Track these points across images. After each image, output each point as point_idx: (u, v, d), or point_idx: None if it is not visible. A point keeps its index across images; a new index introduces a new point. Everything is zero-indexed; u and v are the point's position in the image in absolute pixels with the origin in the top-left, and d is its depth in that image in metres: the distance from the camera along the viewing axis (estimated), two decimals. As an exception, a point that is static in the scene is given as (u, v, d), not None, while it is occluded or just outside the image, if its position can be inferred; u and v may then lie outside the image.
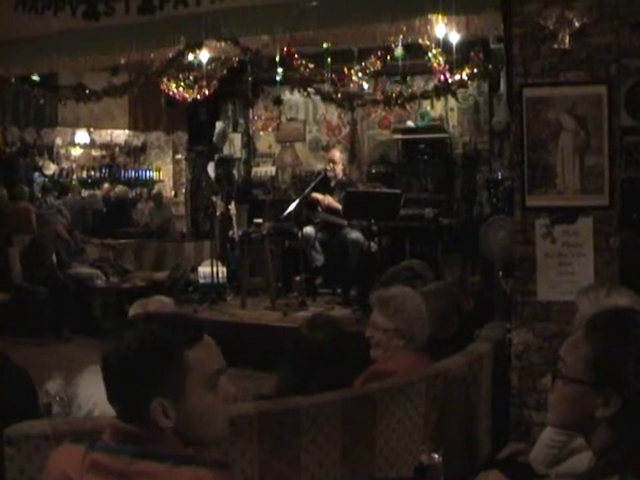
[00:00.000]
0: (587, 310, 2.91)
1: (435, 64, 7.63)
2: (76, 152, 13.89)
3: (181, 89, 9.36)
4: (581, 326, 2.90)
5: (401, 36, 7.33)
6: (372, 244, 7.81)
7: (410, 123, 10.51)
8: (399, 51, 7.84)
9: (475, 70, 7.82)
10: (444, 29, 7.13)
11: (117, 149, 14.11)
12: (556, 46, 4.15)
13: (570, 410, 1.86)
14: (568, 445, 2.73)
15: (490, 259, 6.22)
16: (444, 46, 7.43)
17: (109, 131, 13.63)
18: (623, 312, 2.05)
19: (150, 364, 1.66)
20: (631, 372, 1.78)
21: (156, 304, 3.44)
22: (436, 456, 2.32)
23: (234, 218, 9.07)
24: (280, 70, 8.58)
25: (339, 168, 8.67)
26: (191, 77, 9.26)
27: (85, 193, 13.12)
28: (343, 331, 3.32)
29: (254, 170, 11.75)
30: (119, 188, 13.36)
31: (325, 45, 8.02)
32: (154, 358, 1.67)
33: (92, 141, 13.72)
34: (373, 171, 10.58)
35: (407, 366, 3.43)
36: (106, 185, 13.52)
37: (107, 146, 14.01)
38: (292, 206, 8.07)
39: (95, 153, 14.14)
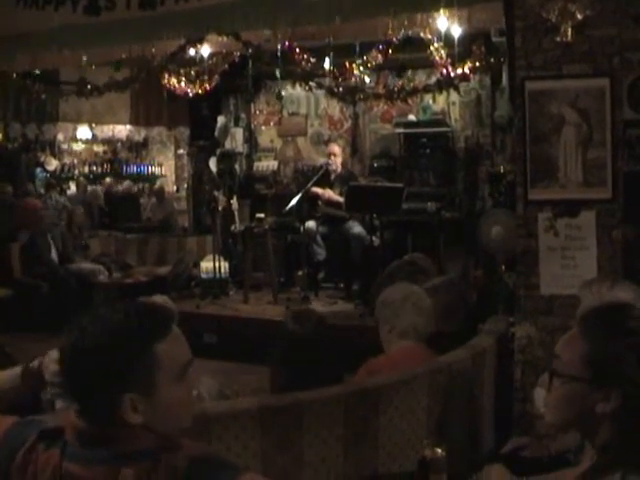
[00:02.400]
0: (590, 303, 2.90)
1: (437, 58, 7.62)
2: (78, 147, 13.90)
3: (182, 84, 9.34)
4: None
5: (403, 30, 7.31)
6: (374, 238, 7.81)
7: (412, 117, 10.49)
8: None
9: (477, 63, 7.80)
10: (446, 22, 7.12)
11: (119, 144, 14.11)
12: (558, 39, 4.14)
13: (570, 408, 1.84)
14: None
15: (491, 253, 6.21)
16: (446, 39, 7.41)
17: (111, 126, 13.64)
18: (617, 306, 2.04)
19: (120, 359, 1.58)
20: (630, 365, 1.77)
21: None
22: (439, 450, 2.32)
23: (236, 213, 9.07)
24: (282, 64, 8.56)
25: (339, 161, 8.68)
26: (192, 72, 9.25)
27: (88, 188, 13.15)
28: (326, 324, 3.31)
29: (256, 165, 11.74)
30: (125, 183, 13.38)
31: (326, 39, 8.00)
32: (124, 352, 1.58)
33: (94, 136, 13.73)
34: (375, 165, 10.56)
35: (401, 356, 3.46)
36: (108, 180, 13.53)
37: (109, 141, 14.02)
38: (294, 200, 8.07)
39: (97, 148, 14.15)
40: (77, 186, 13.23)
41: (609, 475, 1.73)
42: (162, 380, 1.61)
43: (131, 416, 1.58)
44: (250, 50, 8.20)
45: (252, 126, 11.82)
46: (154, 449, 1.56)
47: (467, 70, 7.76)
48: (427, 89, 8.53)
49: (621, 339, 1.81)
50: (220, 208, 8.98)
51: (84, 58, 8.40)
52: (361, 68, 8.16)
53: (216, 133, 10.74)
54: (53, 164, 13.15)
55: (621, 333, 1.83)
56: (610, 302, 2.25)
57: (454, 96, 9.85)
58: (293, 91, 10.76)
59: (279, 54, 8.23)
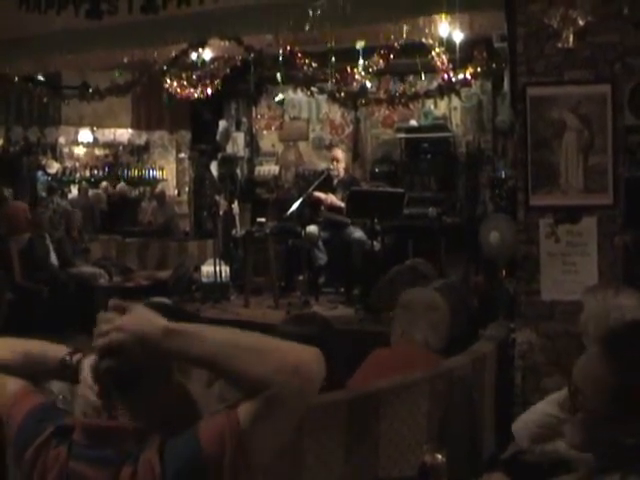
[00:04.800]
0: (593, 310, 2.90)
1: (439, 63, 7.62)
2: (79, 151, 13.91)
3: (184, 88, 9.35)
4: (585, 327, 2.89)
5: (405, 35, 7.33)
6: (375, 243, 7.80)
7: (413, 122, 10.49)
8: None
9: (479, 69, 7.80)
10: (447, 28, 7.13)
11: (120, 148, 14.11)
12: (560, 45, 4.15)
13: (599, 436, 1.74)
14: (555, 428, 2.70)
15: (491, 258, 6.21)
16: (448, 45, 7.42)
17: (112, 130, 13.62)
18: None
19: None
20: None
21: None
22: (439, 456, 2.31)
23: (237, 217, 9.07)
24: (283, 69, 8.56)
25: (342, 167, 8.67)
26: (194, 76, 9.25)
27: (90, 192, 13.15)
28: (330, 326, 3.26)
29: (257, 169, 11.75)
30: (120, 186, 13.40)
31: (328, 45, 8.00)
32: None
33: (95, 140, 13.72)
34: (376, 170, 10.56)
35: (407, 355, 3.48)
36: (104, 183, 13.53)
37: (110, 145, 14.02)
38: (295, 205, 8.06)
39: (98, 152, 14.16)
40: (79, 190, 13.24)
41: (608, 475, 1.71)
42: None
43: None
44: (252, 55, 8.21)
45: (253, 130, 11.83)
46: (140, 448, 1.58)
47: (469, 75, 7.76)
48: (428, 94, 8.53)
49: None
50: (221, 212, 8.98)
51: (86, 62, 8.41)
52: (363, 73, 8.17)
53: (217, 137, 10.74)
54: (54, 167, 13.16)
55: None
56: (631, 321, 2.08)
57: (455, 101, 9.86)
58: (294, 96, 10.76)
59: (281, 59, 8.24)
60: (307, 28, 6.75)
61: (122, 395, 1.62)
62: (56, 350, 1.87)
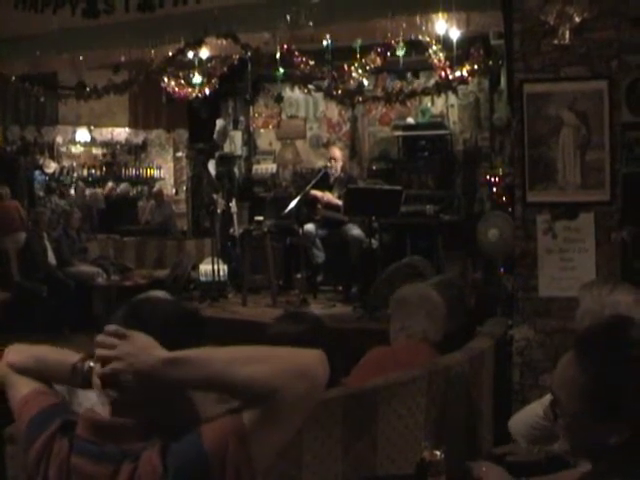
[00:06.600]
0: (589, 306, 2.90)
1: (435, 61, 7.63)
2: (77, 150, 13.89)
3: (181, 87, 9.35)
4: (581, 323, 2.89)
5: (402, 33, 7.33)
6: (373, 241, 7.80)
7: (410, 120, 10.49)
8: (400, 49, 7.80)
9: (475, 66, 7.81)
10: (444, 25, 7.13)
11: (118, 147, 14.10)
12: (556, 41, 4.16)
13: (583, 440, 1.73)
14: (550, 430, 2.70)
15: (489, 255, 6.21)
16: (444, 42, 7.42)
17: (110, 129, 13.62)
18: (614, 328, 1.83)
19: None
20: (633, 397, 1.65)
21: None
22: (438, 452, 2.32)
23: (235, 216, 9.06)
24: (280, 67, 8.56)
25: (339, 166, 8.67)
26: (191, 75, 9.25)
27: (87, 192, 13.14)
28: (321, 324, 3.23)
29: (255, 167, 11.74)
30: (122, 186, 13.40)
31: (325, 42, 8.00)
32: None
33: (93, 139, 13.72)
34: (374, 168, 10.56)
35: (406, 353, 3.49)
36: (110, 184, 13.54)
37: (108, 144, 14.01)
38: (293, 203, 8.06)
39: (96, 151, 14.14)
40: (75, 190, 13.22)
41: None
42: None
43: None
44: (249, 53, 8.20)
45: (251, 129, 11.82)
46: (142, 446, 1.58)
47: (465, 73, 7.77)
48: (426, 92, 8.54)
49: (622, 369, 1.67)
50: (219, 211, 8.98)
51: (83, 61, 8.42)
52: (360, 71, 8.17)
53: (215, 136, 10.74)
54: (52, 167, 13.14)
55: (622, 362, 1.68)
56: (608, 322, 2.06)
57: (452, 99, 9.87)
58: (292, 94, 10.76)
59: (278, 57, 8.24)
60: (304, 25, 6.76)
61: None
62: (69, 356, 1.87)
